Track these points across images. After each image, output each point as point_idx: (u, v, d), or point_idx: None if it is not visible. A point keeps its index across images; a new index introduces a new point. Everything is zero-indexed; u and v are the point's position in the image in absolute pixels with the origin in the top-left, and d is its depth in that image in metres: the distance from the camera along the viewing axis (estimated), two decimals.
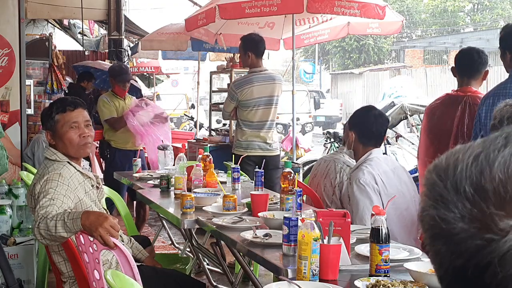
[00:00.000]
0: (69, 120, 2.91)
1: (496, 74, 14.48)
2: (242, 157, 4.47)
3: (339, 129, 11.14)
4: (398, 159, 7.14)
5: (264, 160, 4.37)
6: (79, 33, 11.17)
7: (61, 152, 2.92)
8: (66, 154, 2.93)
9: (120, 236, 2.67)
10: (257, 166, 5.10)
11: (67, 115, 2.92)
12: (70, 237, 2.50)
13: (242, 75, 5.88)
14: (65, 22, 11.39)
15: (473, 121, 3.67)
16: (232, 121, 6.39)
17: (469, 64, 3.92)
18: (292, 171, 3.16)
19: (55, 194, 2.65)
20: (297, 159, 7.53)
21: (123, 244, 2.45)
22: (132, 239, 3.28)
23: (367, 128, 3.38)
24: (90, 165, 7.07)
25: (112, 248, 2.33)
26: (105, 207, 3.24)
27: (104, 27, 11.07)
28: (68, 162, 2.91)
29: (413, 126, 8.00)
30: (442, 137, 3.96)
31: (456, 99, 3.97)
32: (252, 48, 5.18)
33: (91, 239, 2.40)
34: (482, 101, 3.54)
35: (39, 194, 2.68)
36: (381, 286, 2.01)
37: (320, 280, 2.13)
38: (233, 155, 4.64)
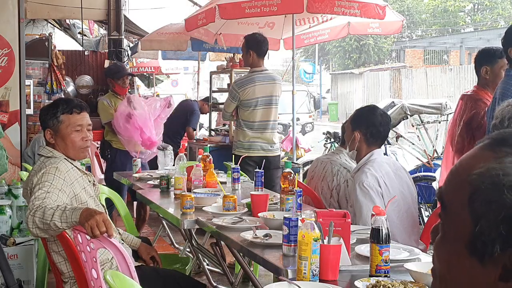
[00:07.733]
0: (74, 123, 2.95)
1: None
2: (242, 157, 4.46)
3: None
4: (398, 159, 7.13)
5: (264, 160, 4.36)
6: (79, 33, 11.14)
7: (59, 152, 2.95)
8: (65, 154, 2.95)
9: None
10: (257, 167, 5.11)
11: (73, 117, 2.96)
12: (63, 229, 2.49)
13: (242, 75, 5.88)
14: (68, 21, 11.37)
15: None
16: (232, 121, 6.37)
17: None
18: (292, 171, 3.16)
19: (50, 188, 2.68)
20: (297, 159, 7.52)
21: (120, 242, 2.44)
22: (120, 230, 3.28)
23: (375, 128, 3.33)
24: (89, 165, 7.05)
25: (97, 237, 2.32)
26: (103, 204, 3.25)
27: (104, 27, 11.05)
28: (65, 159, 2.93)
29: (413, 126, 7.98)
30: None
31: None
32: (254, 47, 5.21)
33: (88, 238, 2.40)
34: None
35: (35, 186, 2.70)
36: (381, 286, 2.00)
37: (320, 281, 2.13)
38: (233, 156, 4.62)
